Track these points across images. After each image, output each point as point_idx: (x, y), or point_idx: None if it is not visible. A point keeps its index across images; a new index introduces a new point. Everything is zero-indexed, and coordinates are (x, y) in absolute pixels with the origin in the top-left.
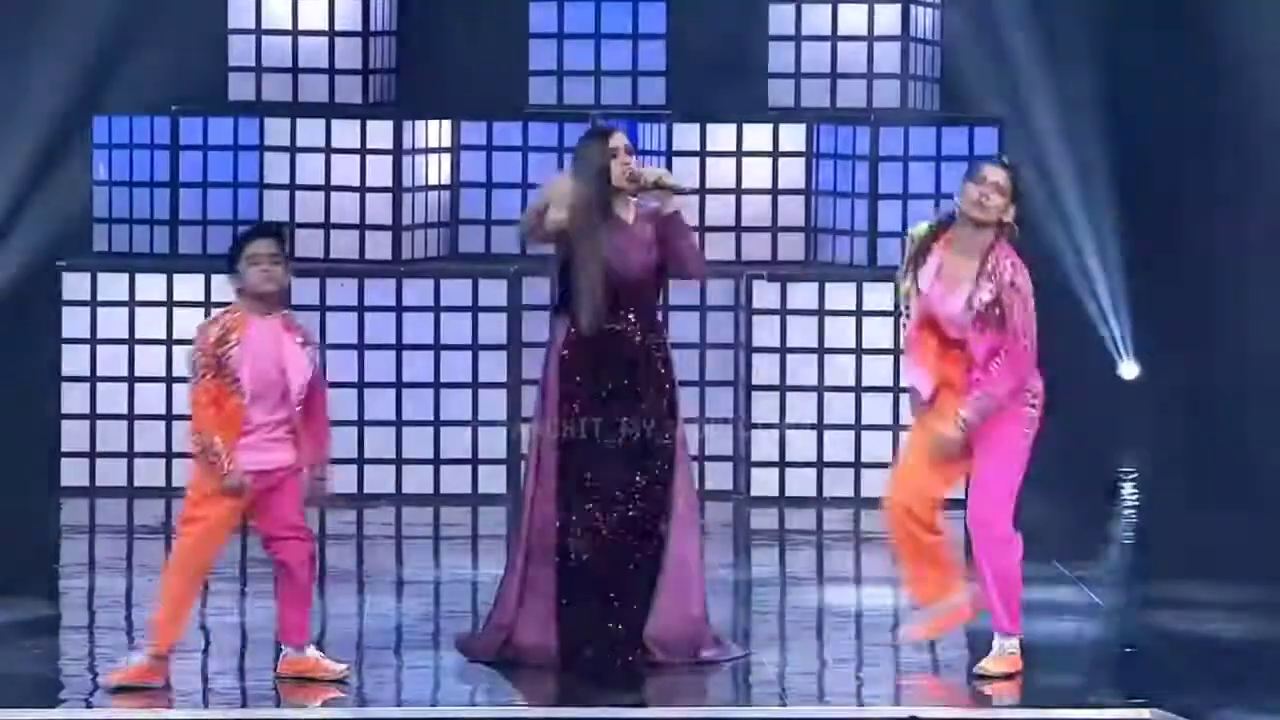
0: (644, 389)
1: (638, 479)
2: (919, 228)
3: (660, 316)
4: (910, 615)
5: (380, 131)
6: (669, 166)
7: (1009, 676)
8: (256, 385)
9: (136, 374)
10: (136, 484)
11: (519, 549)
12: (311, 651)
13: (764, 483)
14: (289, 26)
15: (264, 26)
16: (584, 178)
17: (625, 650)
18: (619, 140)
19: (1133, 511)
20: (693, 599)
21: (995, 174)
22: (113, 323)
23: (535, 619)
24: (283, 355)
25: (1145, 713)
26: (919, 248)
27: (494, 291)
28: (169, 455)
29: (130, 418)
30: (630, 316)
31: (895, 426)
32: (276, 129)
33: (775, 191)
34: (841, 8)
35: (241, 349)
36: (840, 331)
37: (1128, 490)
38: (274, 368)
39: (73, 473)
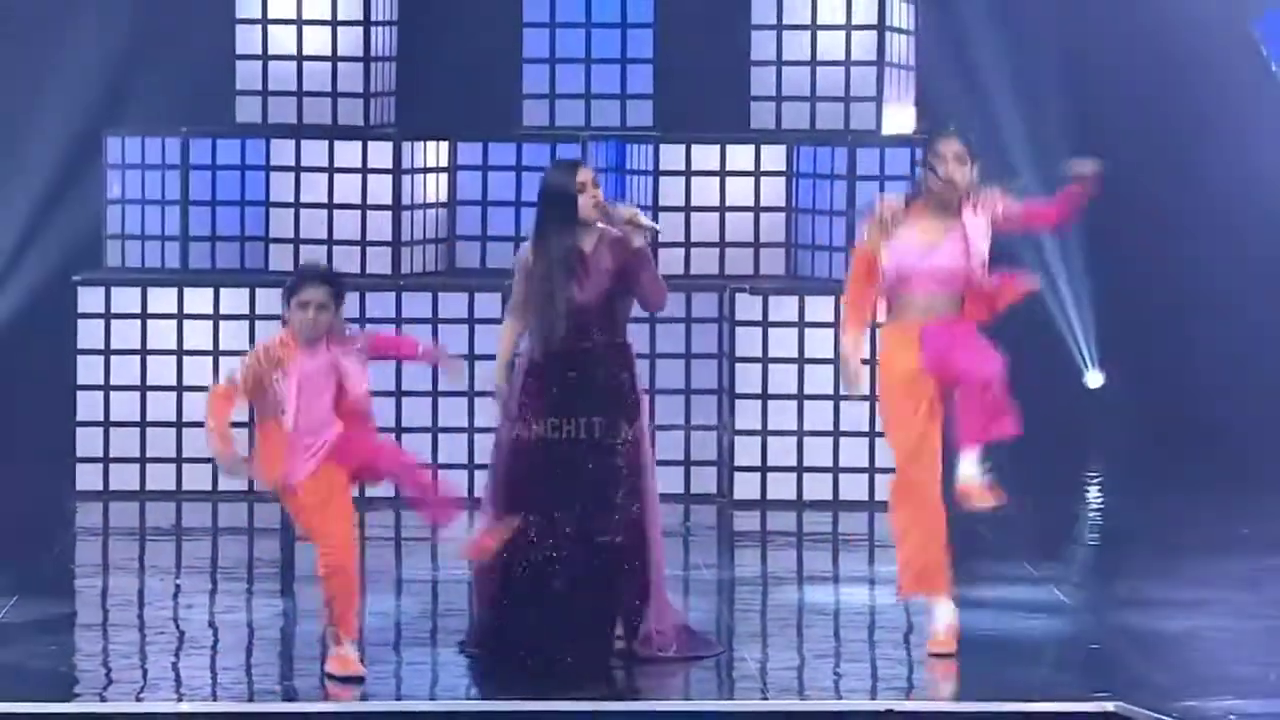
0: (605, 402)
1: (591, 485)
2: (891, 199)
3: (626, 334)
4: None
5: (380, 152)
6: (655, 185)
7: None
8: (302, 415)
9: (148, 383)
10: (148, 488)
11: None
12: (350, 647)
13: (747, 486)
14: (294, 52)
15: (270, 52)
16: (550, 208)
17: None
18: (585, 175)
19: (1098, 514)
20: (665, 596)
21: (953, 146)
22: (126, 335)
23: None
24: (336, 377)
25: (1109, 705)
26: (893, 219)
27: (489, 304)
28: (179, 460)
29: (142, 425)
30: (596, 334)
31: (872, 433)
32: (282, 150)
33: (757, 209)
34: (820, 34)
35: (289, 380)
36: (820, 342)
37: (1093, 493)
38: (319, 397)
39: (87, 477)
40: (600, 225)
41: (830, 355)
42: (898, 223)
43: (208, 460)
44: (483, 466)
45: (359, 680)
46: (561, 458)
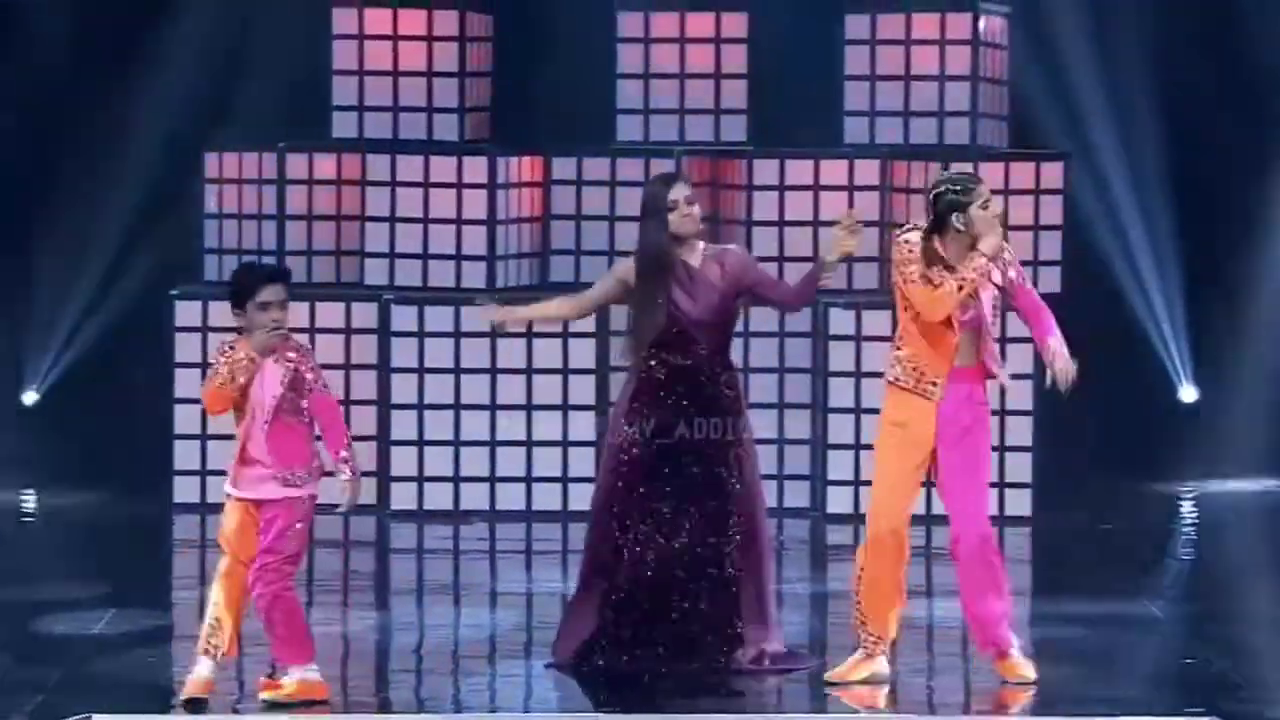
0: (712, 413)
1: (698, 496)
2: (912, 235)
3: (731, 352)
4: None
5: (476, 167)
6: (749, 200)
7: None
8: (251, 422)
9: None
10: None
11: (585, 561)
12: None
13: (839, 500)
14: (390, 68)
15: (366, 68)
16: (645, 221)
17: (666, 658)
18: (679, 191)
19: (1191, 528)
20: (767, 610)
21: (985, 191)
22: None
23: (585, 627)
24: (265, 380)
25: None
26: (926, 254)
27: (585, 319)
28: None
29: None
30: (701, 351)
31: None
32: (378, 164)
33: None
34: (915, 49)
35: (258, 389)
36: None
37: (1187, 509)
38: (260, 404)
39: (184, 490)
40: (704, 241)
41: None
42: (929, 260)
43: None
44: (575, 480)
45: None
46: (668, 467)
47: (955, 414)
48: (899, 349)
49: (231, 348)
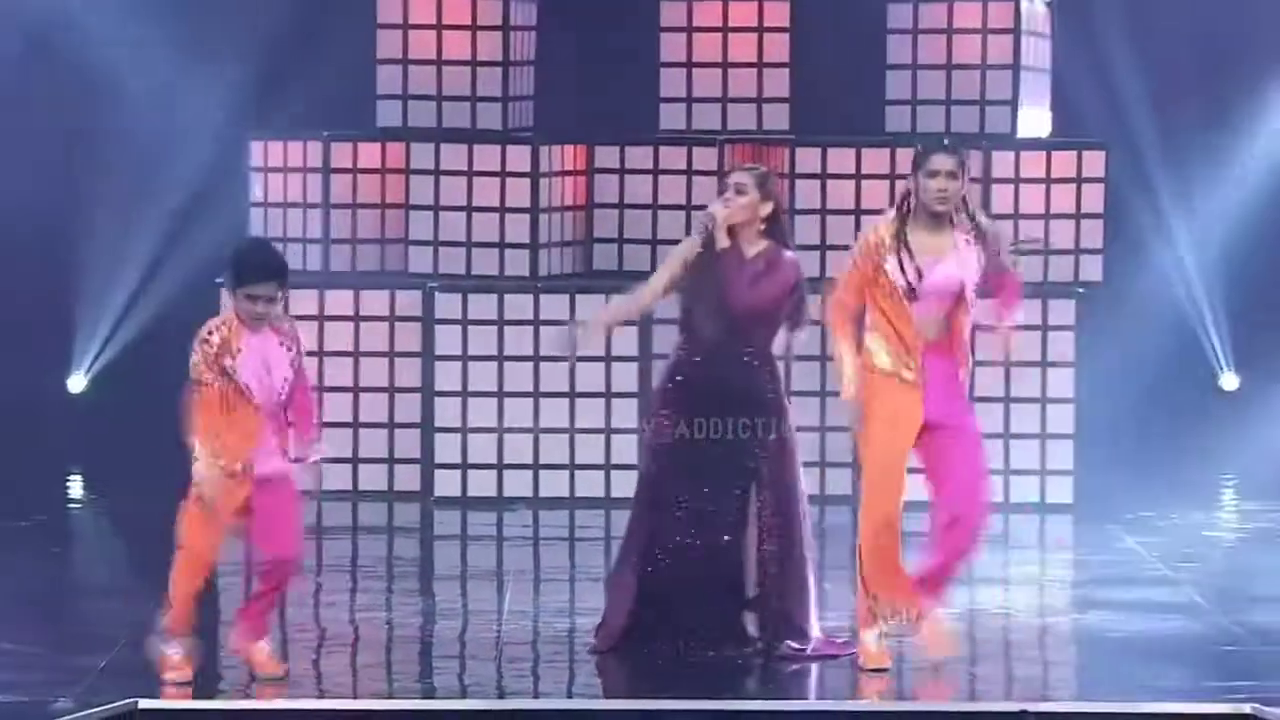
0: (747, 404)
1: (732, 493)
2: (880, 229)
3: (773, 347)
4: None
5: (519, 155)
6: (791, 189)
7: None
8: (260, 393)
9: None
10: None
11: (623, 548)
12: (263, 645)
13: (911, 488)
14: (434, 57)
15: (410, 57)
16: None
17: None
18: (732, 178)
19: (1233, 515)
20: (808, 598)
21: (946, 162)
22: None
23: (625, 614)
24: (269, 359)
25: (1246, 707)
26: (891, 236)
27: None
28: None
29: None
30: (743, 343)
31: (1005, 435)
32: (422, 153)
33: None
34: (956, 38)
35: (243, 359)
36: None
37: (1228, 495)
38: (266, 374)
39: None
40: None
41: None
42: (896, 240)
43: (347, 460)
44: (618, 467)
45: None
46: (701, 456)
47: (939, 396)
48: (871, 332)
49: (207, 340)
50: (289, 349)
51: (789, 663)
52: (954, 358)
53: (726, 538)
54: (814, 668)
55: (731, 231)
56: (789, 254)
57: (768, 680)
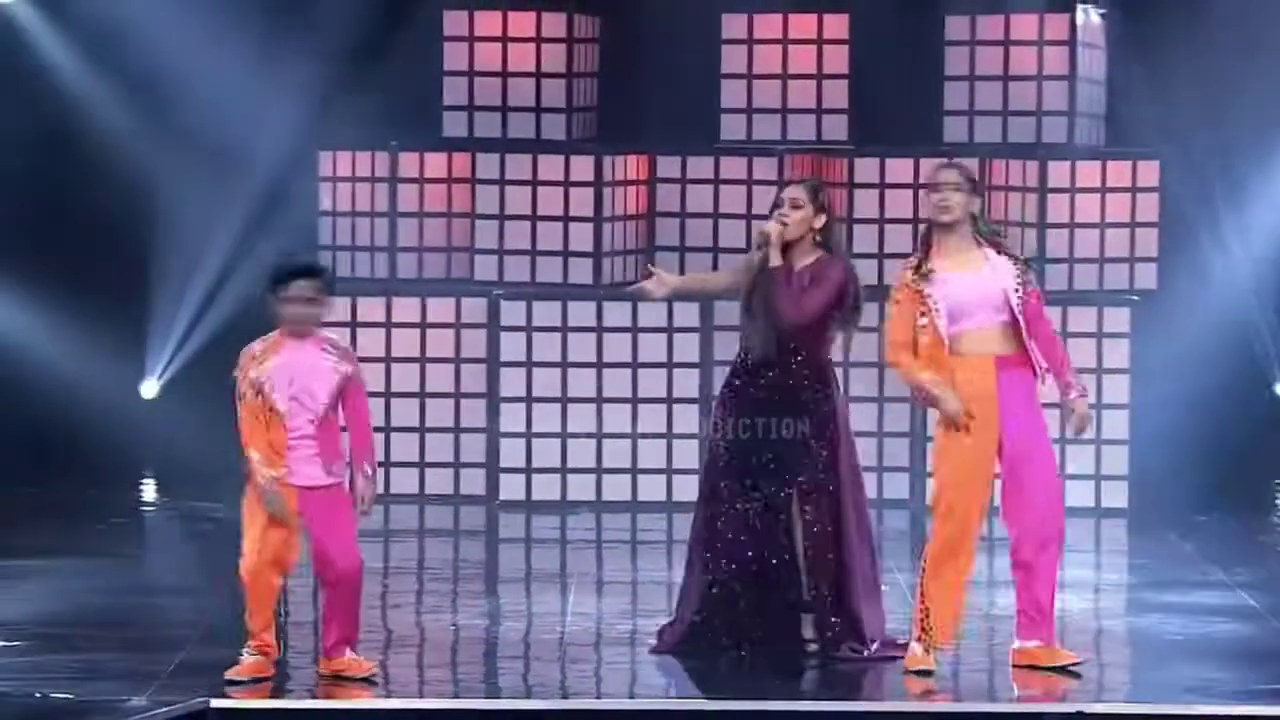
0: (796, 408)
1: (782, 493)
2: (894, 292)
3: (828, 351)
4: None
5: (582, 165)
6: (850, 198)
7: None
8: (288, 404)
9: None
10: None
11: (688, 550)
12: (349, 654)
13: None
14: (499, 69)
15: (476, 69)
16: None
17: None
18: (786, 193)
19: None
20: (864, 600)
21: (947, 175)
22: None
23: (688, 616)
24: (311, 373)
25: None
26: (926, 262)
27: (688, 313)
28: (386, 465)
29: None
30: (795, 354)
31: (1061, 440)
32: (487, 163)
33: None
34: (1013, 50)
35: (275, 369)
36: None
37: None
38: (303, 388)
39: None
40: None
41: None
42: (931, 265)
43: (414, 464)
44: (679, 471)
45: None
46: (754, 462)
47: (1019, 411)
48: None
49: (246, 352)
50: (334, 365)
51: (849, 663)
52: (1028, 369)
53: (783, 542)
54: (873, 668)
55: (786, 246)
56: (839, 261)
57: (827, 681)
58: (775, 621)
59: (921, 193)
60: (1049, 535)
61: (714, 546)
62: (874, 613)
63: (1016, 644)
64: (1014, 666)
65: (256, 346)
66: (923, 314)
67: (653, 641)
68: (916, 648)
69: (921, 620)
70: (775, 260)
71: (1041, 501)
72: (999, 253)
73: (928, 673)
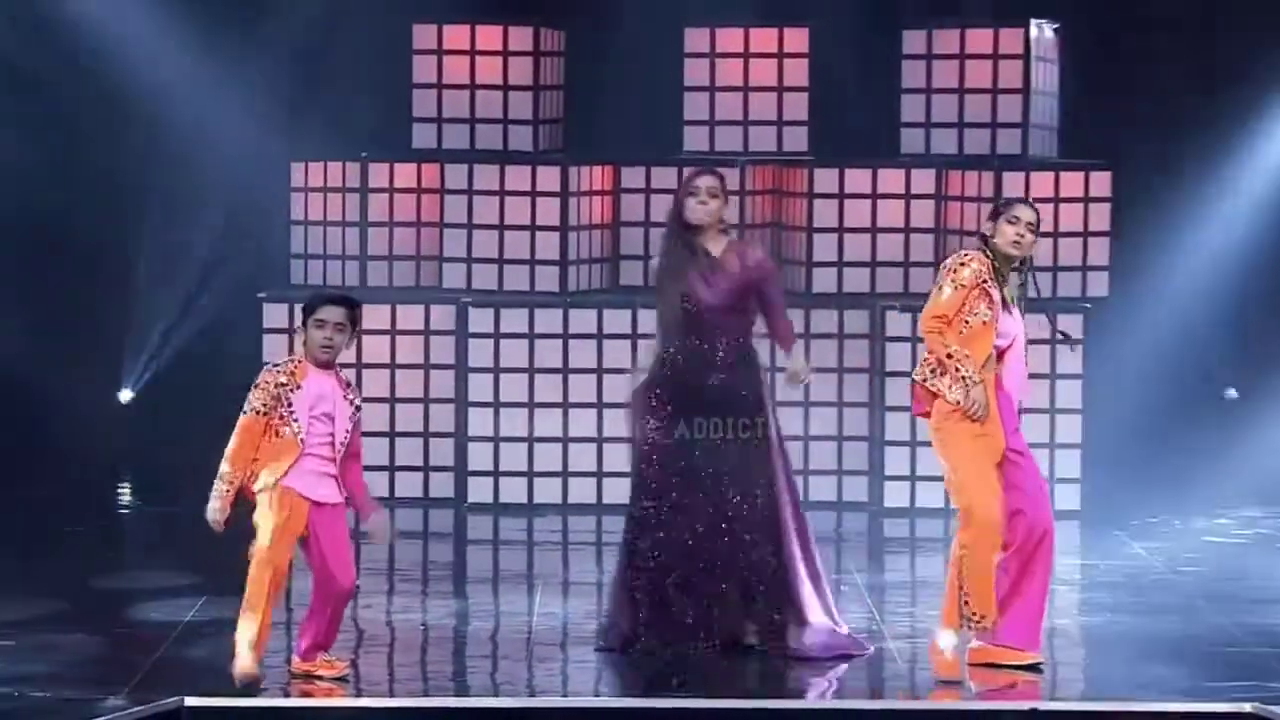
0: (727, 404)
1: (714, 487)
2: (965, 273)
3: (751, 339)
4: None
5: (549, 176)
6: (810, 207)
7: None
8: (311, 426)
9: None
10: None
11: (623, 550)
12: (321, 656)
13: (896, 495)
14: (467, 81)
15: (444, 81)
16: (671, 209)
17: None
18: (702, 181)
19: (1234, 521)
20: (808, 600)
21: (1028, 214)
22: None
23: (627, 615)
24: (334, 406)
25: (1246, 706)
26: (980, 281)
27: (652, 320)
28: None
29: None
30: (718, 341)
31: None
32: (455, 174)
33: (907, 230)
34: (969, 63)
35: (303, 393)
36: None
37: (1230, 502)
38: (325, 416)
39: None
40: (730, 235)
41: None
42: (991, 278)
43: (384, 468)
44: (611, 474)
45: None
46: (687, 458)
47: (1006, 414)
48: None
49: (274, 371)
50: (351, 402)
51: (799, 662)
52: (1012, 389)
53: (726, 539)
54: (830, 667)
55: (700, 233)
56: (758, 249)
57: (784, 680)
58: (718, 618)
59: (994, 218)
60: (1046, 528)
61: (652, 545)
62: (820, 607)
63: (975, 643)
64: (971, 665)
65: (281, 367)
66: (989, 307)
67: (600, 641)
68: (947, 640)
69: (960, 610)
70: (690, 246)
71: (1039, 498)
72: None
73: (955, 682)
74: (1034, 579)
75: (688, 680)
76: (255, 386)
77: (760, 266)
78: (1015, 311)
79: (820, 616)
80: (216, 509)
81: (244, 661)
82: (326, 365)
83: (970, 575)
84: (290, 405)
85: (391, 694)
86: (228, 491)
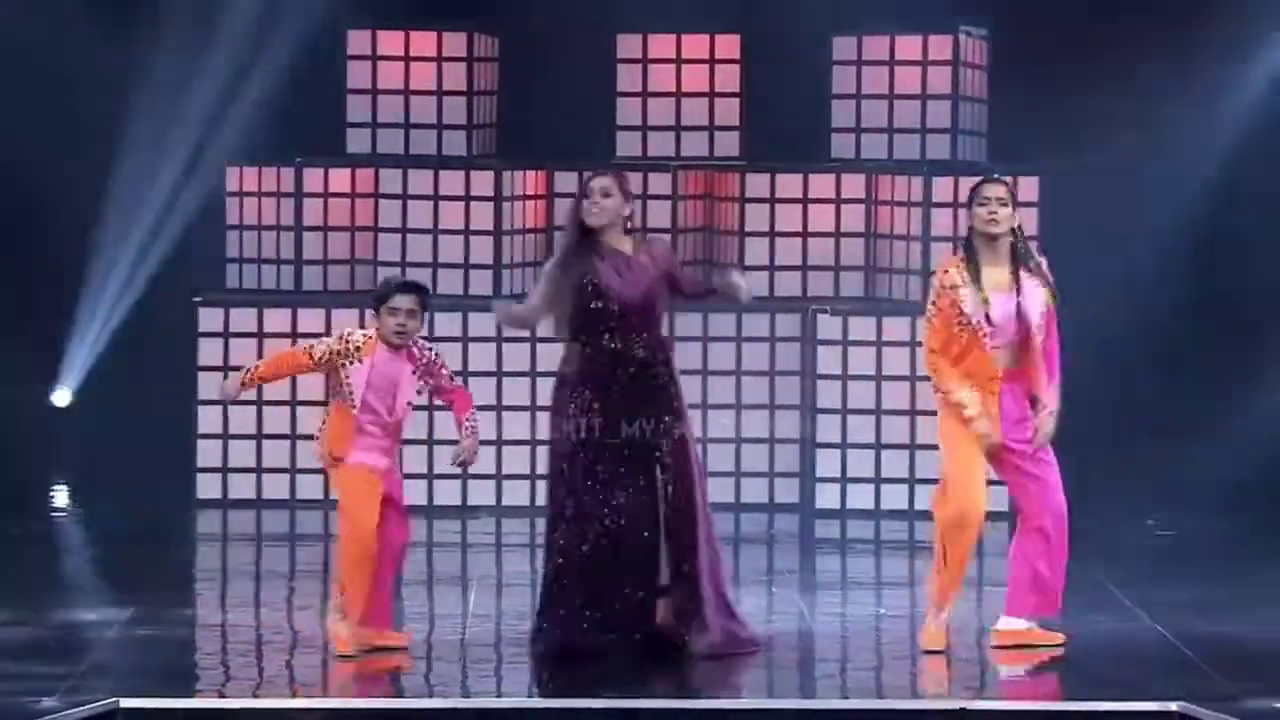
0: (646, 402)
1: (632, 482)
2: (950, 275)
3: (663, 332)
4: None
5: (483, 180)
6: (741, 212)
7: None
8: (368, 402)
9: (264, 398)
10: (264, 497)
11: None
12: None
13: (827, 496)
14: (401, 86)
15: (379, 87)
16: (569, 214)
17: (620, 633)
18: (595, 183)
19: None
20: (709, 599)
21: (996, 190)
22: (243, 352)
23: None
24: (398, 384)
25: (1173, 705)
26: (966, 275)
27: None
28: (293, 471)
29: (259, 437)
30: (635, 336)
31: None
32: (390, 178)
33: (838, 234)
34: (898, 70)
35: (363, 369)
36: (896, 360)
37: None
38: (388, 393)
39: (207, 486)
40: (635, 232)
41: (906, 372)
42: (966, 274)
43: (318, 471)
44: (545, 476)
45: (350, 658)
46: (605, 460)
47: (1010, 424)
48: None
49: (346, 339)
50: (420, 375)
51: (703, 657)
52: (1026, 383)
53: (645, 534)
54: (746, 663)
55: (601, 235)
56: (654, 237)
57: (708, 679)
58: (630, 611)
59: (969, 205)
60: (1060, 511)
61: (572, 541)
62: (721, 602)
63: (1002, 623)
64: (996, 648)
65: (354, 338)
66: (959, 321)
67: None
68: (935, 618)
69: (946, 587)
70: (591, 245)
71: (1054, 483)
72: (1030, 274)
73: (940, 651)
74: (1054, 550)
75: (613, 676)
76: (327, 339)
77: (665, 256)
78: (1023, 287)
79: (721, 614)
80: (233, 381)
81: (340, 631)
82: (399, 347)
83: (950, 570)
84: (347, 376)
85: (326, 694)
86: (249, 377)
